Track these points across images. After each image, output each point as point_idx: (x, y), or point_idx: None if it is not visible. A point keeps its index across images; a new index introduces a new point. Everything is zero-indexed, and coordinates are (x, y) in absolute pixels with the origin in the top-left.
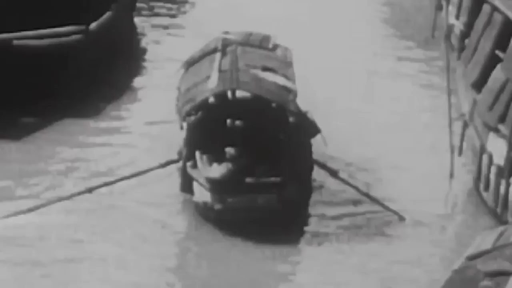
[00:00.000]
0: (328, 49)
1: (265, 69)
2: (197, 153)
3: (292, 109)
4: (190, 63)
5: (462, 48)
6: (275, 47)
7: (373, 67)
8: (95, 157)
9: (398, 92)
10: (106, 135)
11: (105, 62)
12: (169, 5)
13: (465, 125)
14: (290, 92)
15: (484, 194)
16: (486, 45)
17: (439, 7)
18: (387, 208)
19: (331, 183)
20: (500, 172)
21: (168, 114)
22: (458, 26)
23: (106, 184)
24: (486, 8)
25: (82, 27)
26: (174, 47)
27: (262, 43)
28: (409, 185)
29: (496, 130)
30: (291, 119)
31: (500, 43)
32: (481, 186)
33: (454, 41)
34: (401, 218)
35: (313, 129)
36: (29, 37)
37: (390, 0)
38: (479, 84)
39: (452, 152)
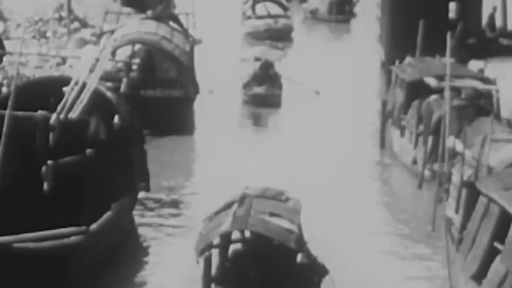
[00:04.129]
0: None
1: (272, 214)
2: (213, 285)
3: (292, 246)
4: (214, 214)
5: (461, 240)
6: (287, 199)
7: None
8: None
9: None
10: None
11: (105, 262)
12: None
13: None
14: (292, 233)
15: None
16: (484, 237)
17: (439, 200)
18: None
19: None
20: None
21: None
22: (458, 219)
23: None
24: (482, 200)
25: (83, 228)
26: (173, 246)
27: (276, 196)
28: None
29: None
30: (298, 258)
31: (498, 235)
32: None
33: (455, 234)
34: None
35: (322, 270)
36: (29, 239)
37: (390, 190)
38: (479, 277)
39: None
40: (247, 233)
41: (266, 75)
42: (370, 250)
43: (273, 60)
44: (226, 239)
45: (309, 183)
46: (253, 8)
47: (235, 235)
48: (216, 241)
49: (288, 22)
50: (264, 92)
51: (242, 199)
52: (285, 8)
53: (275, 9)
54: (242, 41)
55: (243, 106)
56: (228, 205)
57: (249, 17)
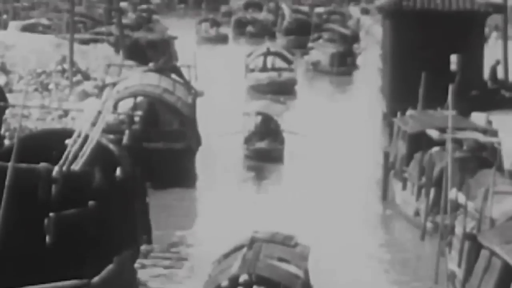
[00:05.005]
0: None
1: (281, 259)
2: None
3: None
4: (223, 257)
5: None
6: (296, 244)
7: None
8: None
9: None
10: None
11: None
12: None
13: None
14: (299, 278)
15: None
16: None
17: (441, 253)
18: None
19: None
20: None
21: None
22: (460, 272)
23: None
24: (484, 253)
25: (85, 281)
26: None
27: (284, 241)
28: None
29: None
30: None
31: None
32: None
33: (458, 287)
34: None
35: None
36: None
37: (392, 242)
38: None
39: None
40: (255, 277)
41: (268, 130)
42: None
43: (275, 114)
44: (234, 282)
45: (311, 236)
46: (264, 61)
47: (243, 278)
48: (225, 283)
49: (292, 75)
50: (266, 147)
51: (252, 243)
52: (289, 62)
53: (279, 63)
54: (245, 94)
55: (245, 160)
56: (237, 248)
57: (252, 70)
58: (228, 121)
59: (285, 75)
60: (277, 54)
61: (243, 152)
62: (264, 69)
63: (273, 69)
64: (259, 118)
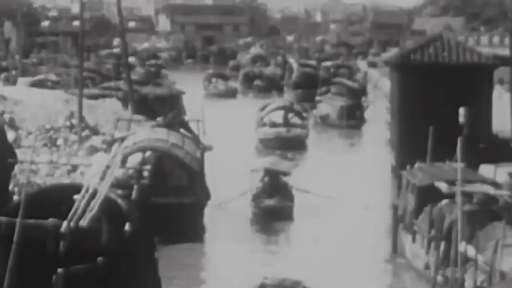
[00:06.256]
0: None
1: None
2: None
3: None
4: None
5: None
6: None
7: None
8: None
9: None
10: None
11: None
12: None
13: None
14: None
15: None
16: None
17: None
18: None
19: None
20: None
21: None
22: None
23: None
24: None
25: None
26: None
27: (293, 286)
28: None
29: None
30: None
31: None
32: None
33: None
34: None
35: None
36: None
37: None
38: None
39: None
40: None
41: (276, 186)
42: None
43: (284, 171)
44: None
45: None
46: (285, 118)
47: None
48: None
49: (302, 132)
50: (275, 204)
51: None
52: (303, 118)
53: (293, 118)
54: (254, 149)
55: (253, 217)
56: None
57: (264, 124)
58: (237, 176)
59: (295, 131)
60: (293, 112)
61: (251, 209)
62: (285, 124)
63: (285, 124)
64: (267, 174)
